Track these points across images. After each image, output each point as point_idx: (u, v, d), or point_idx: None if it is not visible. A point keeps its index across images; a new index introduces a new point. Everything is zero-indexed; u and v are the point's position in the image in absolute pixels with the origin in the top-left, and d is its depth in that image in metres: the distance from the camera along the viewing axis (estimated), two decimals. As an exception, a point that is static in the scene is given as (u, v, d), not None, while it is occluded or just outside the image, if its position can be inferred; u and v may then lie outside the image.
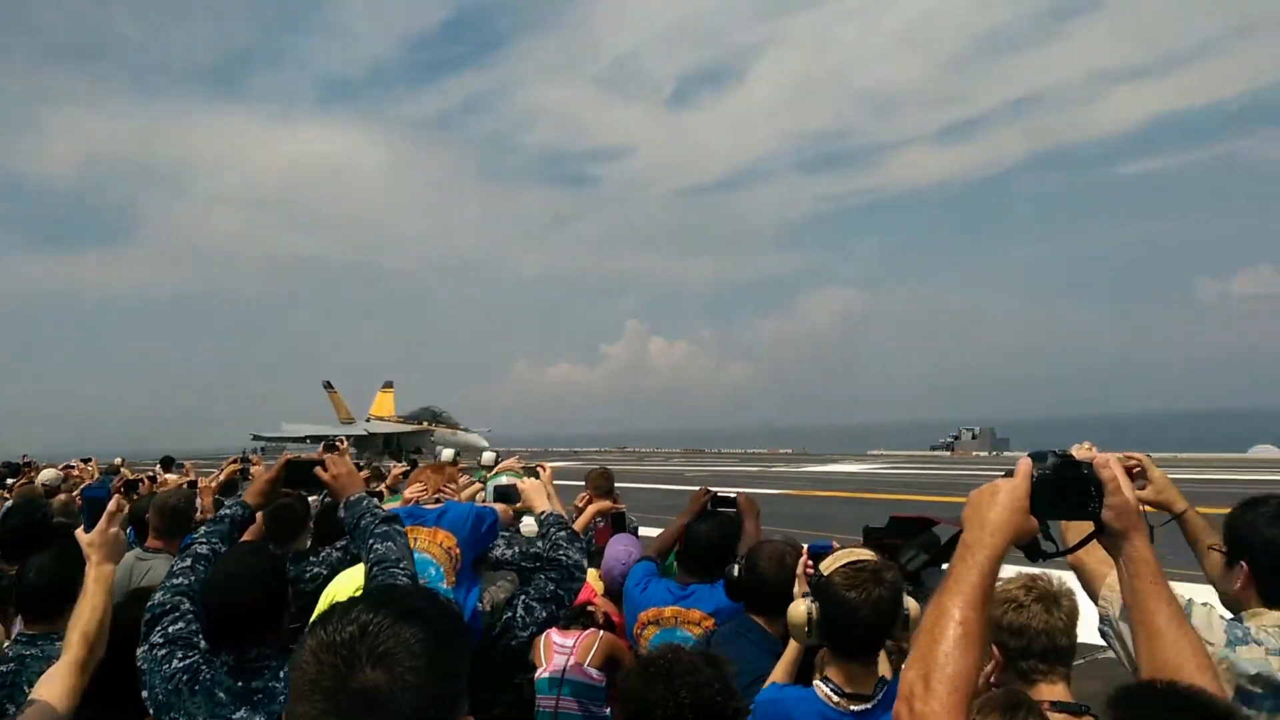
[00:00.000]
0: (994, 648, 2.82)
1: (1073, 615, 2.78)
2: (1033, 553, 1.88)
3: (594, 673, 4.36)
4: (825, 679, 2.76)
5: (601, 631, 4.52)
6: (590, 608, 4.66)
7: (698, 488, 4.79)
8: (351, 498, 3.30)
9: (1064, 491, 1.82)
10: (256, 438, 58.16)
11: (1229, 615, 2.58)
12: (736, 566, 3.63)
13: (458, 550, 3.41)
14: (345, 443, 8.31)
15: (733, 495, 4.67)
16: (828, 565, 2.83)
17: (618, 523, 5.65)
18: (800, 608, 2.82)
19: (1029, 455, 1.85)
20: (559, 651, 4.44)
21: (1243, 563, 2.58)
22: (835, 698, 2.71)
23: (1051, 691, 2.66)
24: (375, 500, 3.44)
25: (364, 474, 8.43)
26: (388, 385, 66.94)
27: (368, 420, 63.74)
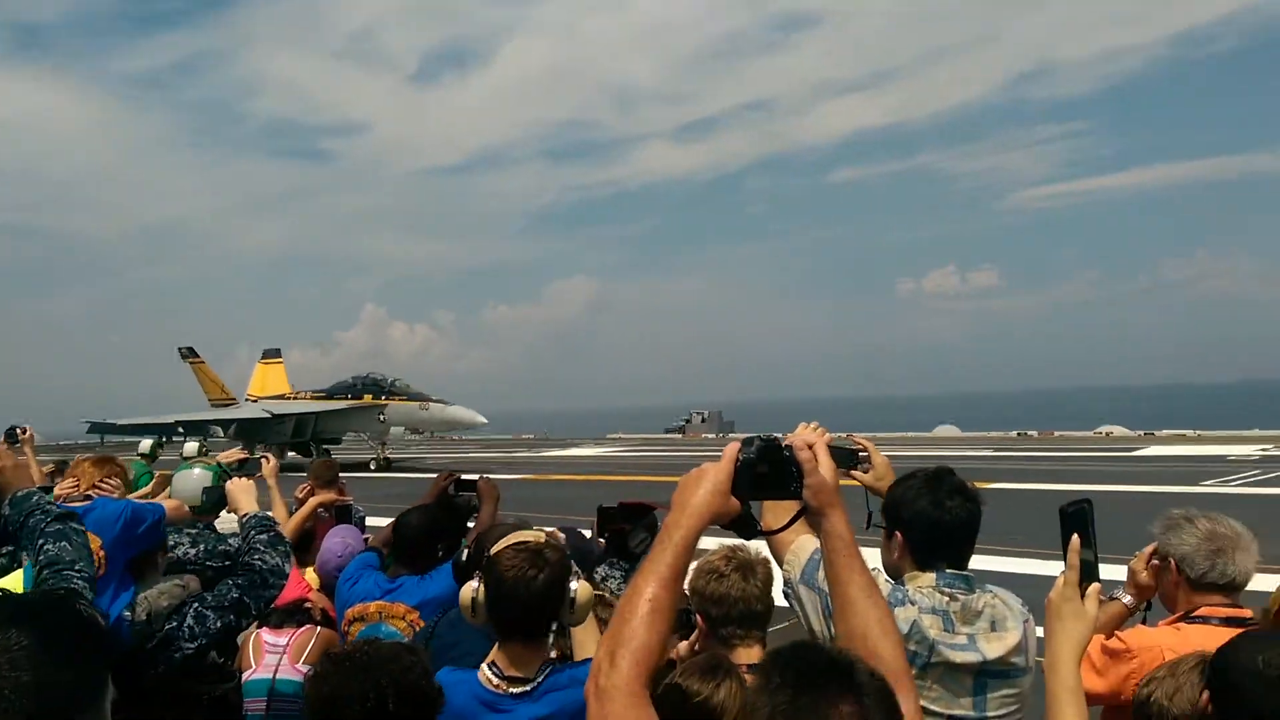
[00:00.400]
0: (697, 617, 2.98)
1: (768, 582, 3.00)
2: (746, 532, 1.99)
3: (309, 671, 4.16)
4: (491, 662, 2.70)
5: (319, 628, 4.31)
6: (306, 604, 4.43)
7: (436, 474, 4.76)
8: (18, 494, 2.96)
9: (766, 473, 1.91)
10: (94, 427, 42.23)
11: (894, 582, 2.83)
12: (465, 550, 3.61)
13: (103, 553, 3.16)
14: (28, 432, 7.36)
15: (474, 479, 4.66)
16: (497, 546, 2.78)
17: (343, 515, 5.43)
18: (468, 588, 2.76)
19: (742, 440, 1.94)
20: (270, 651, 4.18)
21: (898, 533, 2.82)
22: (495, 680, 2.65)
23: (748, 655, 2.85)
24: (47, 496, 3.09)
25: (48, 468, 7.49)
26: (272, 355, 47.95)
27: (253, 402, 44.44)
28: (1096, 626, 2.37)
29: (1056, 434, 38.56)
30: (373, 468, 34.14)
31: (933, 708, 2.61)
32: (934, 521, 2.75)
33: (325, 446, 38.32)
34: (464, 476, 4.72)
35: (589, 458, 35.96)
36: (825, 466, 1.94)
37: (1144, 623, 3.17)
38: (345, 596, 4.05)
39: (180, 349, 48.93)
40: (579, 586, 2.74)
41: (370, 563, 4.19)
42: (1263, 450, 26.24)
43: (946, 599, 2.69)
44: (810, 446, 1.95)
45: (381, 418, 36.17)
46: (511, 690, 2.64)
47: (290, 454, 37.65)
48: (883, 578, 2.75)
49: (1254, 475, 21.16)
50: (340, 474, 6.20)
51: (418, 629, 3.67)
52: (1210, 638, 2.70)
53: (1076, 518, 2.27)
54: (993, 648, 2.64)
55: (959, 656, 2.62)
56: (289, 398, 41.62)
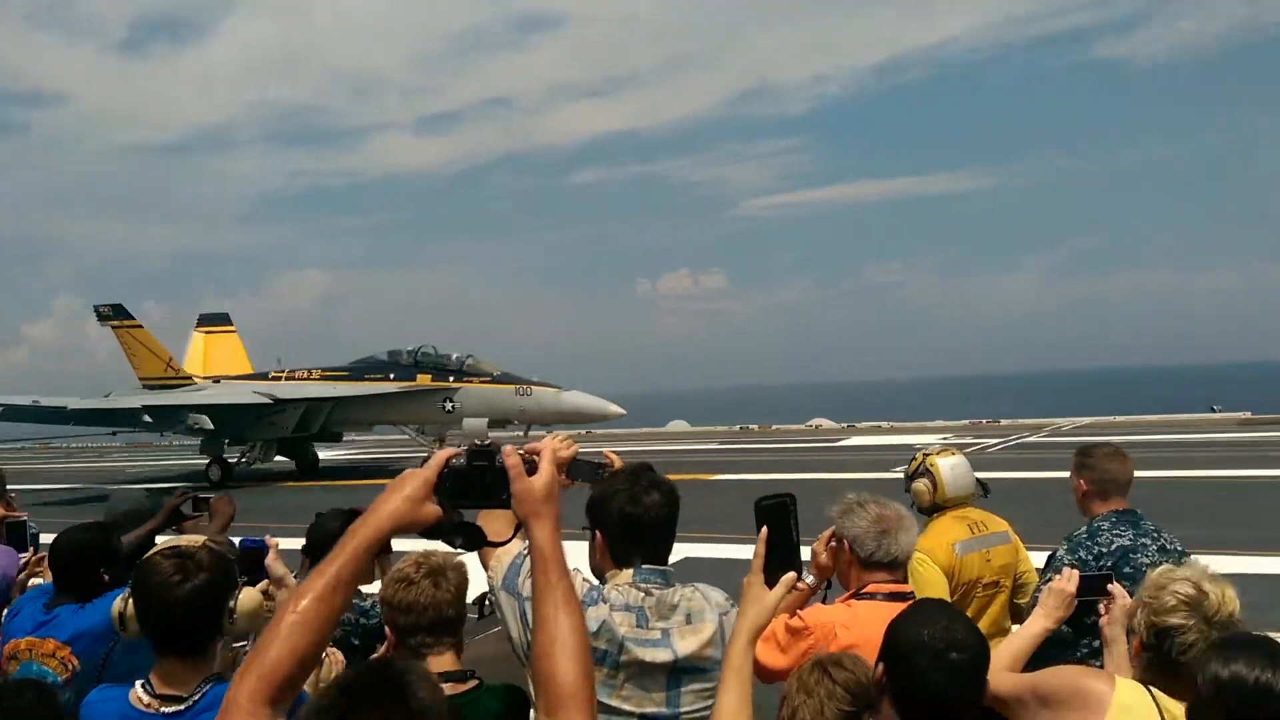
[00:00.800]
0: (387, 629, 2.85)
1: (461, 586, 2.91)
2: (467, 541, 1.89)
3: None
4: (146, 680, 2.46)
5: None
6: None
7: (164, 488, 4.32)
8: None
9: (472, 480, 1.85)
10: (7, 412, 28.49)
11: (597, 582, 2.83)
12: None
13: None
14: None
15: (209, 496, 4.42)
16: (150, 552, 2.54)
17: (14, 533, 4.73)
18: (119, 599, 2.54)
19: (467, 447, 1.87)
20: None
21: (598, 531, 2.84)
22: (146, 699, 2.42)
23: (440, 663, 2.75)
24: None
25: None
26: (216, 320, 34.28)
27: (214, 383, 30.20)
28: (782, 607, 2.53)
29: (774, 427, 41.05)
30: None
31: (625, 707, 2.61)
32: (630, 517, 2.77)
33: (314, 445, 29.32)
34: (199, 494, 4.40)
35: (325, 461, 33.90)
36: (544, 474, 1.86)
37: (824, 601, 3.42)
38: (7, 630, 3.53)
39: (98, 309, 31.79)
40: (243, 595, 2.54)
41: (49, 590, 3.67)
42: (943, 439, 29.66)
43: (642, 595, 2.70)
44: (534, 454, 1.88)
45: (450, 406, 25.76)
46: (164, 709, 2.40)
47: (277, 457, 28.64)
48: (580, 578, 2.75)
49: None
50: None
51: (73, 665, 3.24)
52: (876, 612, 2.98)
53: (772, 511, 2.38)
54: (687, 643, 2.66)
55: (649, 654, 2.62)
56: (280, 378, 28.94)
